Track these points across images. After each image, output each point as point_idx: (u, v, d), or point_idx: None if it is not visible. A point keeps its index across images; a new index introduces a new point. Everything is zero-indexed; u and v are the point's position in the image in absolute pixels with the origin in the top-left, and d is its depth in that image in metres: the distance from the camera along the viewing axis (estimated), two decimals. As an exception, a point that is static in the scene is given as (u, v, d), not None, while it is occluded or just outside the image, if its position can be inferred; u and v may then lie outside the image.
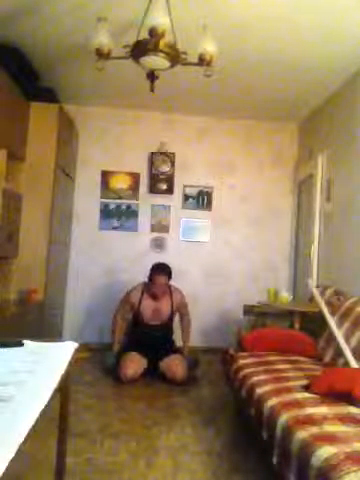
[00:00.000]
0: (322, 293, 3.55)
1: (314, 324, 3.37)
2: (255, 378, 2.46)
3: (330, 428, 1.73)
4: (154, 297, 3.83)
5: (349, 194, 3.62)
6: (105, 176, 4.88)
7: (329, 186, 4.00)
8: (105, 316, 4.67)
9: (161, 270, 3.81)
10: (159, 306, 3.84)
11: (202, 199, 4.97)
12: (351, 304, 2.99)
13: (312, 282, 3.99)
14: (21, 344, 1.72)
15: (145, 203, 4.91)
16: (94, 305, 4.79)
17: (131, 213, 4.90)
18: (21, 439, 0.97)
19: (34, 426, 1.07)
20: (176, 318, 4.03)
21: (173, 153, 4.90)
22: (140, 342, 3.74)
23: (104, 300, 4.76)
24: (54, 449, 1.81)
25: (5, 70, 3.17)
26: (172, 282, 3.96)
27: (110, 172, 4.88)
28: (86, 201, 4.84)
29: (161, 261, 3.99)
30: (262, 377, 2.44)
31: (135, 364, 3.62)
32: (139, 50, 2.29)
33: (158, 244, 4.90)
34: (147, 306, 3.83)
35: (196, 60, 2.38)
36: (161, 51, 2.25)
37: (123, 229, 4.89)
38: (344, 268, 3.62)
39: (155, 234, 4.91)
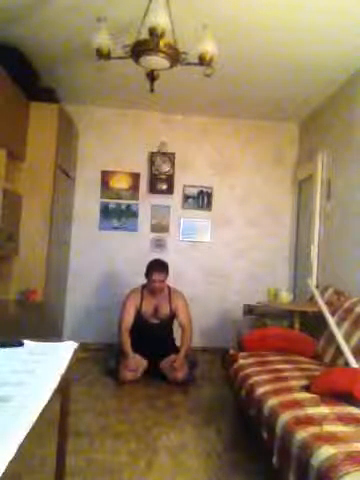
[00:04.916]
0: (322, 293, 3.55)
1: (314, 324, 3.37)
2: (255, 378, 2.46)
3: (330, 428, 1.73)
4: (153, 293, 3.82)
5: (349, 194, 3.62)
6: (105, 176, 4.87)
7: (329, 186, 4.00)
8: (105, 316, 4.68)
9: (158, 267, 3.79)
10: (158, 303, 3.83)
11: (202, 199, 4.97)
12: (351, 304, 2.99)
13: (312, 282, 3.99)
14: (21, 344, 1.72)
15: (145, 203, 4.91)
16: (94, 305, 4.79)
17: (131, 213, 4.90)
18: (21, 439, 0.97)
19: (34, 426, 1.07)
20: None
21: (173, 153, 4.90)
22: (141, 342, 3.73)
23: (104, 300, 4.76)
24: (54, 449, 1.81)
25: (5, 70, 3.16)
26: (172, 284, 3.95)
27: (110, 172, 4.88)
28: (86, 201, 4.84)
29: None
30: (262, 377, 2.44)
31: (136, 365, 3.62)
32: (139, 50, 2.29)
33: (158, 244, 4.90)
34: (148, 305, 3.82)
35: (196, 60, 2.38)
36: (161, 51, 2.25)
37: (123, 229, 4.89)
38: (344, 268, 3.62)
39: (155, 234, 4.91)
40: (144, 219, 4.91)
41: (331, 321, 3.03)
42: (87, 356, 4.12)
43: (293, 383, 2.29)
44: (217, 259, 4.96)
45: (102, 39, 2.34)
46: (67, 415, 1.79)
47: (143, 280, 3.89)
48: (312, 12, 2.76)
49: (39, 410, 1.14)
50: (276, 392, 2.18)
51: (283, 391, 2.18)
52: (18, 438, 0.96)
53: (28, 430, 1.02)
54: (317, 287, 3.81)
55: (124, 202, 4.89)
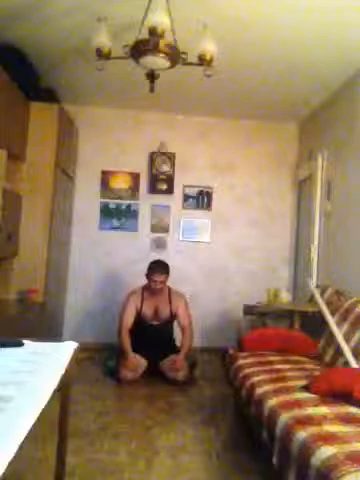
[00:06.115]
0: (322, 293, 3.55)
1: (314, 324, 3.37)
2: (255, 378, 2.46)
3: (330, 428, 1.73)
4: (153, 294, 3.82)
5: (349, 194, 3.62)
6: (105, 176, 4.87)
7: (329, 186, 4.00)
8: (105, 316, 4.68)
9: (159, 268, 3.79)
10: (158, 304, 3.83)
11: (202, 199, 4.97)
12: (351, 304, 2.99)
13: (312, 282, 3.99)
14: (21, 344, 1.72)
15: (145, 203, 4.91)
16: (94, 305, 4.79)
17: (131, 213, 4.90)
18: (21, 439, 0.97)
19: (34, 426, 1.06)
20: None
21: (173, 153, 4.90)
22: (141, 342, 3.73)
23: (104, 300, 4.76)
24: (54, 449, 1.81)
25: (5, 70, 3.16)
26: (173, 284, 3.95)
27: (110, 172, 4.88)
28: (86, 201, 4.84)
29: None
30: (262, 377, 2.44)
31: (135, 365, 3.62)
32: (139, 50, 2.29)
33: (158, 244, 4.90)
34: (148, 307, 3.82)
35: (196, 60, 2.38)
36: (161, 51, 2.25)
37: (123, 229, 4.89)
38: (344, 268, 3.61)
39: (155, 234, 4.91)
40: (144, 219, 4.90)
41: (331, 321, 3.03)
42: (87, 356, 4.11)
43: (293, 383, 2.29)
44: (217, 259, 4.95)
45: (102, 39, 2.34)
46: (67, 415, 1.79)
47: (143, 280, 3.89)
48: (312, 12, 2.76)
49: (39, 410, 1.14)
50: (276, 392, 2.18)
51: (283, 391, 2.18)
52: (18, 438, 0.96)
53: (28, 430, 1.02)
54: (317, 287, 3.81)
55: (124, 202, 4.89)
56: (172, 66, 2.38)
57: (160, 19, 2.15)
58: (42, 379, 1.34)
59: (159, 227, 4.92)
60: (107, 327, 4.51)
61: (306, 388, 2.19)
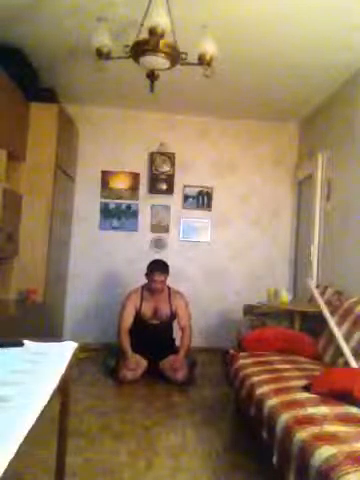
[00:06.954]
0: (322, 293, 3.55)
1: (314, 324, 3.37)
2: (255, 378, 2.46)
3: (330, 428, 1.72)
4: (153, 293, 3.81)
5: (349, 194, 3.62)
6: (105, 176, 4.88)
7: (329, 186, 4.00)
8: (105, 316, 4.68)
9: (159, 267, 3.79)
10: (158, 305, 3.83)
11: (202, 199, 4.97)
12: (351, 304, 2.99)
13: (312, 282, 3.99)
14: (21, 344, 1.72)
15: (145, 203, 4.91)
16: (94, 305, 4.79)
17: (131, 213, 4.90)
18: (21, 439, 0.97)
19: (34, 426, 1.06)
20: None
21: (173, 153, 4.90)
22: (141, 342, 3.73)
23: (104, 300, 4.76)
24: (54, 449, 1.81)
25: (5, 70, 3.17)
26: (173, 284, 3.95)
27: (110, 172, 4.88)
28: (86, 201, 4.84)
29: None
30: (262, 377, 2.44)
31: (135, 364, 3.62)
32: (139, 50, 2.29)
33: (158, 244, 4.90)
34: (147, 307, 3.82)
35: (196, 60, 2.38)
36: (161, 51, 2.25)
37: (123, 229, 4.89)
38: (344, 268, 3.62)
39: (155, 234, 4.91)
40: (144, 219, 4.91)
41: (331, 321, 3.03)
42: (87, 356, 4.11)
43: (293, 383, 2.29)
44: (217, 259, 4.96)
45: (102, 39, 2.34)
46: (67, 415, 1.79)
47: (143, 280, 3.89)
48: (312, 11, 2.76)
49: (39, 410, 1.14)
50: (276, 392, 2.18)
51: (283, 391, 2.18)
52: (18, 438, 0.96)
53: (28, 430, 1.02)
54: (317, 287, 3.81)
55: (124, 202, 4.89)
56: (172, 66, 2.38)
57: (160, 19, 2.14)
58: (42, 379, 1.34)
59: (159, 227, 4.92)
60: (107, 327, 4.52)
61: (306, 388, 2.18)
